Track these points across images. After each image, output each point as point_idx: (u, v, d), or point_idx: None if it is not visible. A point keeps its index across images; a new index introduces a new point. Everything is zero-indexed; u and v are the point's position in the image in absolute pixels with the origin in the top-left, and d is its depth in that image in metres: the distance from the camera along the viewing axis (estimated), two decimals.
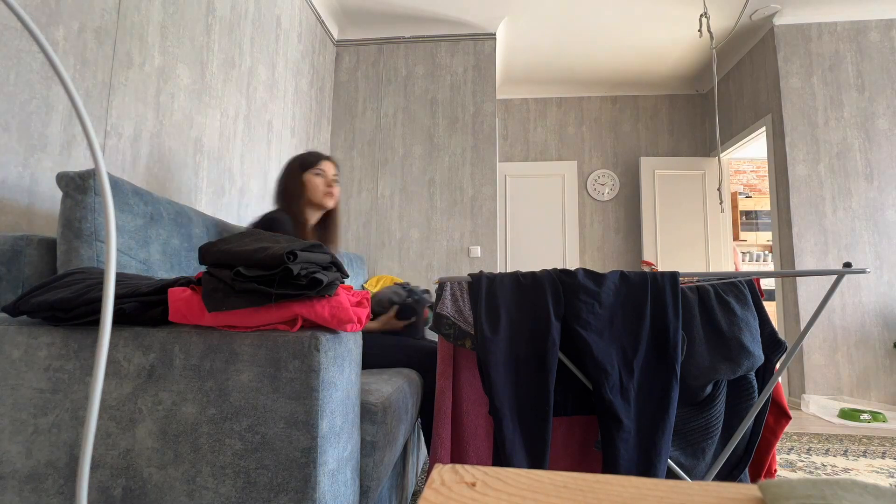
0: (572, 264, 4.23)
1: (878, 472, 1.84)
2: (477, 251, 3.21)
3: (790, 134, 3.19)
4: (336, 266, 0.77)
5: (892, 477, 1.79)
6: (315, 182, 1.53)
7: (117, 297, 0.71)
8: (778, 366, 1.13)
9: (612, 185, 4.39)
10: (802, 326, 3.01)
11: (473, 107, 3.35)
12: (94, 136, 0.45)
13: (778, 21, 3.27)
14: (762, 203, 5.37)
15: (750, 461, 1.15)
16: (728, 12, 3.25)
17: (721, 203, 2.34)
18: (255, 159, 2.36)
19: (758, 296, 1.15)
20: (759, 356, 1.08)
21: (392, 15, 3.28)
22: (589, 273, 1.06)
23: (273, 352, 0.67)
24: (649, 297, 1.04)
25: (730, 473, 1.14)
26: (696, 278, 1.23)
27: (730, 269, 4.03)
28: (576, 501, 0.23)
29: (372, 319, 1.54)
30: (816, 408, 2.89)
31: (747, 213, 5.40)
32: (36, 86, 1.23)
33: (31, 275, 0.95)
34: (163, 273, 1.12)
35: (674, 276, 1.05)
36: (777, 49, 3.26)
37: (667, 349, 1.01)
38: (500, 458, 0.97)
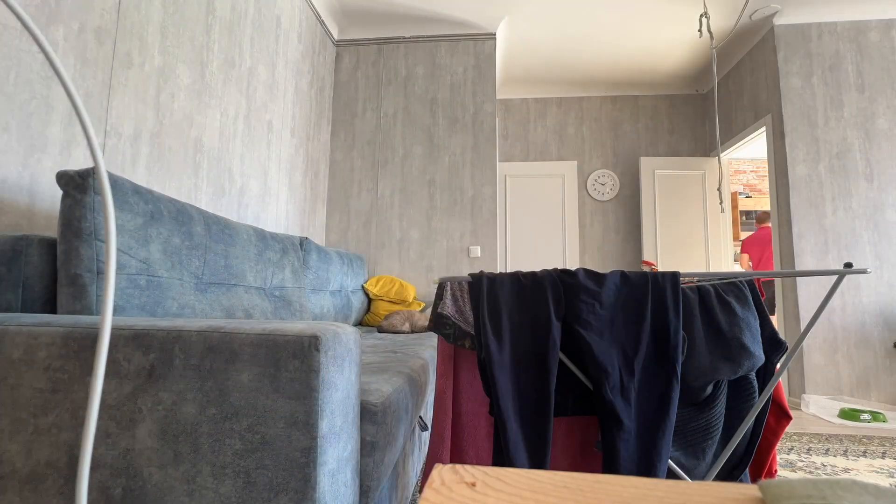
0: (572, 264, 4.23)
1: (878, 472, 1.83)
2: (477, 251, 3.21)
3: (790, 134, 3.19)
4: None
5: (892, 477, 1.79)
6: None
7: None
8: (778, 366, 1.13)
9: (612, 185, 4.39)
10: (803, 326, 3.01)
11: (473, 107, 3.34)
12: (93, 135, 0.45)
13: (778, 21, 3.26)
14: (762, 203, 5.37)
15: (750, 461, 1.15)
16: (728, 12, 3.25)
17: (721, 203, 2.34)
18: (254, 159, 2.36)
19: (758, 296, 1.15)
20: (760, 356, 1.08)
21: (392, 15, 3.28)
22: (590, 273, 1.06)
23: (273, 352, 0.67)
24: (650, 298, 1.04)
25: (730, 473, 1.14)
26: (696, 278, 1.23)
27: (732, 270, 4.03)
28: (576, 501, 0.23)
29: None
30: (816, 408, 2.89)
31: (747, 213, 5.40)
32: (36, 86, 1.23)
33: (32, 275, 0.95)
34: (164, 272, 1.12)
35: (675, 276, 1.05)
36: (777, 49, 3.26)
37: (667, 349, 1.01)
38: (503, 458, 0.97)
